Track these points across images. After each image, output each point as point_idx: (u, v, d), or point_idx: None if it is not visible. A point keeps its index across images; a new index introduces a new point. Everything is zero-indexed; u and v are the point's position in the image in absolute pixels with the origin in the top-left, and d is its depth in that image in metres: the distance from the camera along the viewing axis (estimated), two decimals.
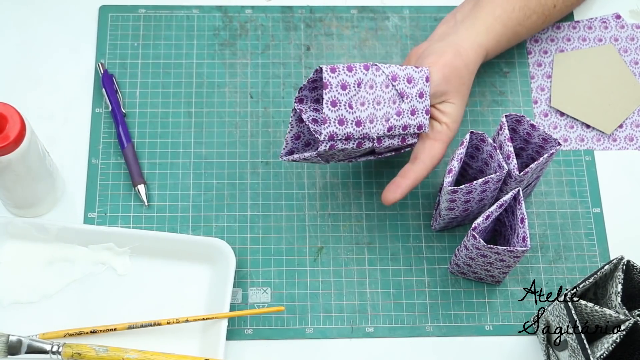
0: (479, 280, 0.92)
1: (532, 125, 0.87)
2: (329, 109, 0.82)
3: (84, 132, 0.97)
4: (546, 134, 0.87)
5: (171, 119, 0.98)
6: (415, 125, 0.87)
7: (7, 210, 0.93)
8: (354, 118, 0.83)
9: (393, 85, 0.85)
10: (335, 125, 0.82)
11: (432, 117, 0.89)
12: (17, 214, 0.93)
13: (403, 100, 0.85)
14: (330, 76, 0.82)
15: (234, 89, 1.00)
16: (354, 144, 0.85)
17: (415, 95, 0.86)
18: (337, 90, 0.82)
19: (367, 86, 0.83)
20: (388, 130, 0.86)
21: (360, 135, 0.84)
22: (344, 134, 0.83)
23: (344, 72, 0.82)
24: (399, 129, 0.86)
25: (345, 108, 0.83)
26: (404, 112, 0.86)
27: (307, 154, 0.85)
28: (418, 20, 1.04)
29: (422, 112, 0.87)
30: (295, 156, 0.86)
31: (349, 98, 0.83)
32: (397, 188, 0.88)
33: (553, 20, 1.00)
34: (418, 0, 1.05)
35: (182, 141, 0.97)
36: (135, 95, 0.99)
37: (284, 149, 0.87)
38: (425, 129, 0.88)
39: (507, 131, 0.86)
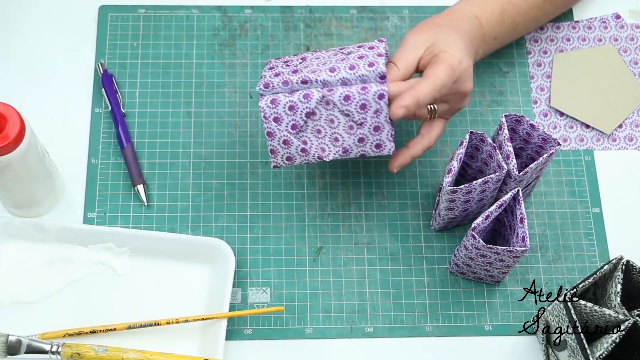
0: (478, 281, 0.92)
1: (532, 126, 0.87)
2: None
3: (84, 132, 0.97)
4: (546, 134, 0.87)
5: (171, 119, 0.98)
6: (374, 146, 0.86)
7: (7, 210, 0.93)
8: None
9: (348, 115, 0.85)
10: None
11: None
12: (16, 214, 0.93)
13: (361, 127, 0.85)
14: (269, 107, 0.84)
15: (233, 89, 1.00)
16: (300, 95, 0.84)
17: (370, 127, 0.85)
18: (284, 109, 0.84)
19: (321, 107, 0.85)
20: (344, 152, 0.86)
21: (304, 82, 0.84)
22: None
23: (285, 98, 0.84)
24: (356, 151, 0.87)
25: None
26: (366, 138, 0.86)
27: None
28: (418, 20, 1.04)
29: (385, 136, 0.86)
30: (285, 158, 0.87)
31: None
32: (402, 156, 0.89)
33: (550, 15, 1.00)
34: (418, 0, 1.05)
35: (182, 141, 0.97)
36: (135, 95, 0.99)
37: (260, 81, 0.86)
38: (388, 151, 0.86)
39: (506, 131, 0.86)
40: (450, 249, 0.94)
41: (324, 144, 0.86)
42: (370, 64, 0.83)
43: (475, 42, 0.91)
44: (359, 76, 0.83)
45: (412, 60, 0.88)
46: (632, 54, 1.03)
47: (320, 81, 0.83)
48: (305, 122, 0.85)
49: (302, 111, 0.84)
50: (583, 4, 1.05)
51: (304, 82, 0.84)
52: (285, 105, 0.84)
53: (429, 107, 0.88)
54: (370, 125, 0.84)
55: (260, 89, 0.84)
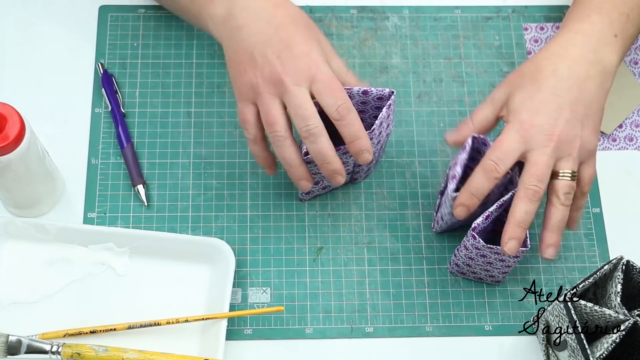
0: (478, 280, 0.92)
1: None
2: None
3: (84, 132, 0.97)
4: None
5: (171, 119, 0.98)
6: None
7: (7, 210, 0.93)
8: None
9: None
10: None
11: None
12: (16, 214, 0.93)
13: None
14: None
15: (233, 89, 1.00)
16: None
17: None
18: None
19: None
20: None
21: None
22: None
23: None
24: None
25: None
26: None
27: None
28: (418, 20, 1.04)
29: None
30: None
31: None
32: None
33: None
34: (418, 0, 1.05)
35: (182, 141, 0.97)
36: (135, 95, 0.99)
37: None
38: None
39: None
40: (450, 249, 0.94)
41: None
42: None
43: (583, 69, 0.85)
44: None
45: (488, 115, 0.86)
46: (632, 54, 1.03)
47: None
48: None
49: None
50: None
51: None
52: None
53: (562, 176, 0.84)
54: None
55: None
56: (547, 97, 0.83)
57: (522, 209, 0.82)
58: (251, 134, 0.85)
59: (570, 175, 0.84)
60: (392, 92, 0.85)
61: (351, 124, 0.82)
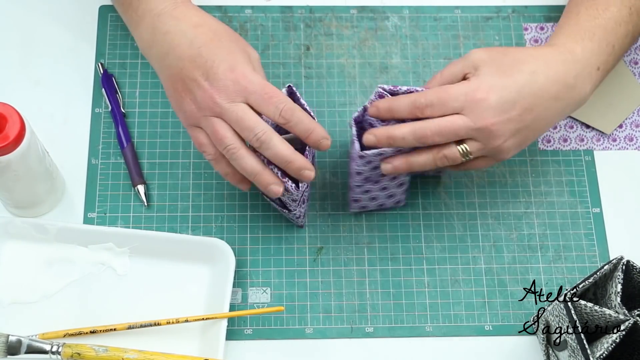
0: (382, 209, 0.92)
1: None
2: None
3: (84, 132, 0.97)
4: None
5: (171, 119, 0.98)
6: None
7: (7, 210, 0.93)
8: None
9: None
10: None
11: None
12: (17, 214, 0.93)
13: None
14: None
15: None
16: None
17: None
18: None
19: None
20: None
21: None
22: None
23: None
24: None
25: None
26: None
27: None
28: (418, 20, 1.04)
29: None
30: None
31: None
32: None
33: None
34: (418, 0, 1.05)
35: (182, 141, 0.97)
36: (135, 95, 0.99)
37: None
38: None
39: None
40: (450, 249, 0.94)
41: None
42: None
43: (562, 75, 0.85)
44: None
45: (457, 72, 0.86)
46: (632, 54, 1.03)
47: None
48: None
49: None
50: None
51: None
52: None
53: (459, 148, 0.83)
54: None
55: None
56: (510, 88, 0.83)
57: (405, 132, 0.82)
58: (210, 154, 0.84)
59: (464, 153, 0.83)
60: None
61: (300, 122, 0.81)
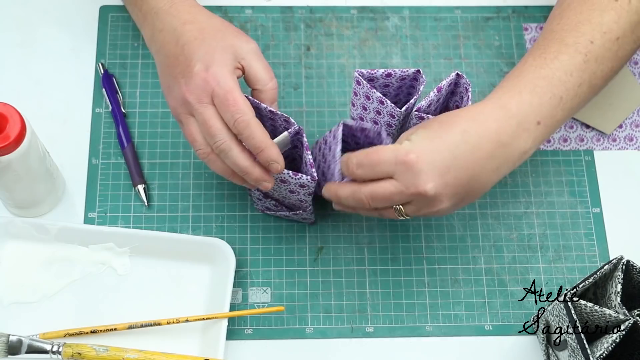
0: (292, 217, 0.91)
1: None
2: None
3: (84, 132, 0.97)
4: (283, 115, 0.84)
5: (171, 119, 0.98)
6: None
7: (7, 210, 0.93)
8: None
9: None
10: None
11: None
12: (17, 214, 0.93)
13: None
14: None
15: None
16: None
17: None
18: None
19: None
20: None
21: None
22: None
23: None
24: None
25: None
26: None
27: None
28: (418, 21, 1.04)
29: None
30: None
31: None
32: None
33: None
34: (418, 0, 1.05)
35: (182, 141, 0.97)
36: (135, 95, 0.99)
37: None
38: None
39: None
40: (450, 249, 0.94)
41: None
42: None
43: (493, 134, 0.80)
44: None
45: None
46: None
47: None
48: None
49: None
50: None
51: None
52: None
53: (395, 208, 0.81)
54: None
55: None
56: (442, 151, 0.78)
57: (347, 194, 0.81)
58: (198, 149, 0.84)
59: (400, 214, 0.81)
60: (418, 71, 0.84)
61: (250, 137, 0.80)
